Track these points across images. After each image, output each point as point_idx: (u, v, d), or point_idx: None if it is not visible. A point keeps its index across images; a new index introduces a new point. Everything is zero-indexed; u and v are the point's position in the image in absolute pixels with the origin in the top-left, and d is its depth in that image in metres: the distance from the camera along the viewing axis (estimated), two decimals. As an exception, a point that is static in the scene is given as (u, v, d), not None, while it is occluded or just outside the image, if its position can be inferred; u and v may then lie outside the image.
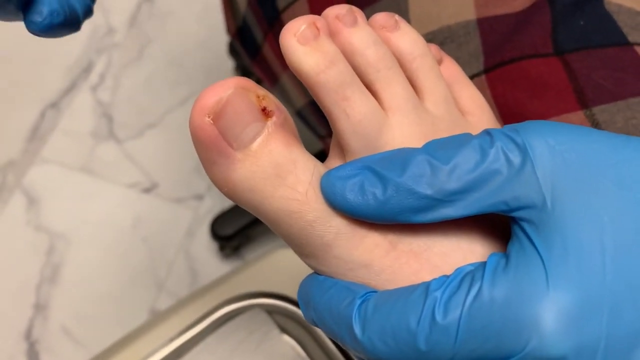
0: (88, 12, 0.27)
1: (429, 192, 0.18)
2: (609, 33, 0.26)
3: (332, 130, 0.21)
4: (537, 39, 0.27)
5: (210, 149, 0.19)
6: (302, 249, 0.20)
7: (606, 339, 0.16)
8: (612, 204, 0.17)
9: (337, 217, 0.19)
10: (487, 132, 0.19)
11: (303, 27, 0.20)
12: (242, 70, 0.80)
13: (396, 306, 0.18)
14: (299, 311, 0.39)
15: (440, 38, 0.30)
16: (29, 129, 0.84)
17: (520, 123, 0.19)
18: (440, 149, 0.19)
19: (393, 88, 0.21)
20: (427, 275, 0.19)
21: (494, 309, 0.17)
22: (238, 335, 0.38)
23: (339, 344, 0.20)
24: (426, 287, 0.18)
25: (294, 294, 0.40)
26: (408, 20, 0.31)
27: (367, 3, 0.33)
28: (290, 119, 0.20)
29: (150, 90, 0.87)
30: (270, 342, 0.38)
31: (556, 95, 0.26)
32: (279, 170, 0.19)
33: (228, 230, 0.72)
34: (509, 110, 0.27)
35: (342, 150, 0.21)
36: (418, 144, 0.20)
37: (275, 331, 0.38)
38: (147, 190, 0.80)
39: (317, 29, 0.20)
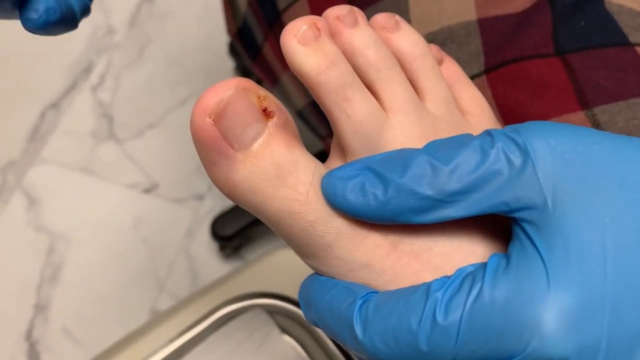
0: (85, 11, 0.27)
1: (429, 192, 0.18)
2: (609, 33, 0.26)
3: (333, 130, 0.21)
4: (538, 39, 0.27)
5: (211, 149, 0.19)
6: (303, 249, 0.20)
7: (607, 339, 0.16)
8: (613, 204, 0.17)
9: (338, 217, 0.19)
10: (487, 133, 0.19)
11: (304, 27, 0.20)
12: (243, 71, 0.80)
13: (397, 307, 0.18)
14: (299, 311, 0.39)
15: (441, 38, 0.30)
16: (29, 129, 0.84)
17: (521, 124, 0.19)
18: (441, 150, 0.19)
19: (394, 88, 0.21)
20: (428, 276, 0.19)
21: (495, 310, 0.17)
22: (239, 336, 0.38)
23: (340, 344, 0.20)
24: (427, 287, 0.18)
25: (294, 294, 0.40)
26: (408, 21, 0.31)
27: (367, 3, 0.33)
28: (291, 120, 0.20)
29: (151, 90, 0.87)
30: (271, 342, 0.38)
31: (557, 95, 0.26)
32: (279, 171, 0.19)
33: (228, 230, 0.72)
34: (510, 110, 0.27)
35: (343, 151, 0.21)
36: (419, 144, 0.20)
37: (276, 331, 0.38)
38: (148, 191, 0.80)
39: (318, 29, 0.20)
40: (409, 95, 0.22)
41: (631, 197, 0.17)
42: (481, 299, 0.17)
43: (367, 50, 0.21)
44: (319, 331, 0.38)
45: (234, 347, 0.37)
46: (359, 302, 0.19)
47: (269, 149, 0.19)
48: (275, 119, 0.19)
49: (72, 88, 0.87)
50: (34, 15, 0.25)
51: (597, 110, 0.25)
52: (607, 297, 0.17)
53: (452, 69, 0.25)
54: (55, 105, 0.86)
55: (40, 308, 0.74)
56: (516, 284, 0.17)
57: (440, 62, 0.25)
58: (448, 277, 0.18)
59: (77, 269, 0.76)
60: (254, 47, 0.44)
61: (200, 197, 0.80)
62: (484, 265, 0.18)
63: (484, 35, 0.29)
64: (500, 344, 0.17)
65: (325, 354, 0.37)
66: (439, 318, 0.17)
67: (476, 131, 0.22)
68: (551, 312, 0.16)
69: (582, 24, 0.27)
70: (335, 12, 0.21)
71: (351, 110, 0.20)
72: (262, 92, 0.19)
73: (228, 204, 0.77)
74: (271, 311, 0.39)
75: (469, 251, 0.20)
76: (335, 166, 0.20)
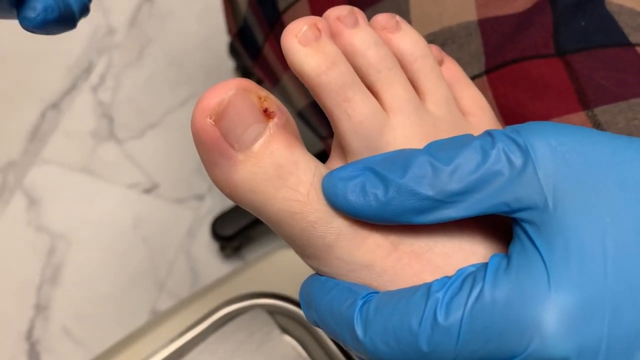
0: (84, 10, 0.27)
1: (430, 193, 0.18)
2: (610, 34, 0.26)
3: (334, 131, 0.21)
4: (539, 40, 0.27)
5: (212, 150, 0.19)
6: (304, 249, 0.20)
7: (608, 339, 0.16)
8: (613, 205, 0.17)
9: (338, 218, 0.19)
10: (488, 133, 0.19)
11: (304, 28, 0.20)
12: (243, 71, 0.80)
13: (398, 307, 0.18)
14: (300, 311, 0.39)
15: (442, 39, 0.30)
16: (29, 129, 0.84)
17: (522, 124, 0.19)
18: (442, 150, 0.19)
19: (394, 89, 0.21)
20: (428, 276, 0.19)
21: (496, 310, 0.17)
22: (239, 336, 0.38)
23: (341, 344, 0.20)
24: (428, 288, 0.18)
25: (295, 295, 0.40)
26: (409, 21, 0.31)
27: (368, 4, 0.33)
28: (292, 120, 0.20)
29: (151, 90, 0.87)
30: (272, 342, 0.38)
31: (557, 96, 0.26)
32: (280, 172, 0.19)
33: (229, 230, 0.72)
34: (510, 111, 0.27)
35: (344, 151, 0.21)
36: (419, 144, 0.20)
37: (277, 331, 0.38)
38: (148, 191, 0.80)
39: (319, 30, 0.20)
40: (410, 96, 0.22)
41: (632, 197, 0.17)
42: (482, 299, 0.17)
43: (368, 51, 0.21)
44: (320, 331, 0.38)
45: (234, 347, 0.37)
46: (360, 303, 0.19)
47: (270, 150, 0.19)
48: (276, 120, 0.19)
49: (72, 88, 0.87)
50: (31, 13, 0.24)
51: (597, 110, 0.25)
52: (608, 297, 0.17)
53: (452, 69, 0.25)
54: (55, 106, 0.86)
55: (41, 308, 0.74)
56: (517, 285, 0.17)
57: (440, 63, 0.25)
58: (449, 278, 0.18)
59: (78, 269, 0.76)
60: (255, 47, 0.44)
61: (200, 197, 0.80)
62: (484, 266, 0.18)
63: (484, 36, 0.29)
64: (501, 344, 0.17)
65: (326, 354, 0.37)
66: (440, 318, 0.17)
67: (477, 132, 0.22)
68: (552, 313, 0.16)
69: (583, 24, 0.27)
70: (335, 12, 0.21)
71: (352, 111, 0.20)
72: (263, 92, 0.19)
73: (228, 204, 0.77)
74: (272, 311, 0.39)
75: (469, 251, 0.20)
76: (336, 167, 0.20)
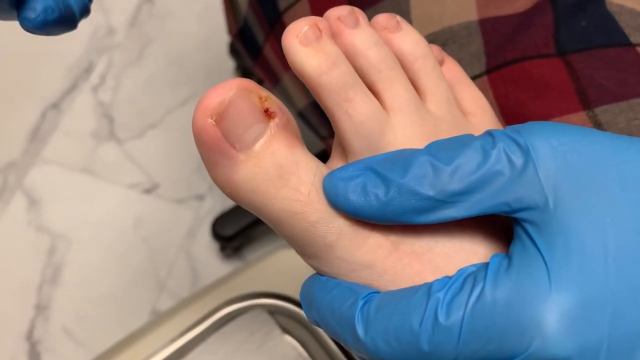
0: (85, 11, 0.27)
1: (431, 193, 0.18)
2: (610, 34, 0.26)
3: (335, 131, 0.21)
4: (539, 40, 0.27)
5: (213, 150, 0.19)
6: (305, 249, 0.20)
7: (609, 339, 0.16)
8: (614, 205, 0.17)
9: (339, 218, 0.19)
10: (489, 133, 0.19)
11: (305, 28, 0.20)
12: (243, 71, 0.80)
13: (399, 307, 0.18)
14: (300, 311, 0.39)
15: (442, 39, 0.30)
16: (29, 129, 0.84)
17: (523, 124, 0.19)
18: (443, 150, 0.19)
19: (395, 89, 0.21)
20: (429, 276, 0.19)
21: (497, 310, 0.17)
22: (239, 336, 0.38)
23: (342, 344, 0.20)
24: (428, 288, 0.18)
25: (295, 294, 0.40)
26: (410, 22, 0.31)
27: (368, 4, 0.33)
28: (293, 120, 0.20)
29: (151, 90, 0.87)
30: (272, 342, 0.38)
31: (558, 96, 0.26)
32: (281, 172, 0.19)
33: (229, 230, 0.72)
34: (511, 110, 0.27)
35: (345, 151, 0.21)
36: (420, 144, 0.20)
37: (277, 331, 0.38)
38: (148, 191, 0.80)
39: (319, 30, 0.20)
40: (410, 96, 0.22)
41: (632, 197, 0.17)
42: (483, 299, 0.17)
43: (369, 51, 0.21)
44: (321, 331, 0.38)
45: (235, 347, 0.37)
46: (361, 302, 0.19)
47: (271, 150, 0.19)
48: (276, 120, 0.19)
49: (72, 88, 0.87)
50: (31, 14, 0.24)
51: (598, 110, 0.25)
52: (609, 297, 0.17)
53: (453, 69, 0.25)
54: (55, 106, 0.86)
55: (41, 308, 0.74)
56: (518, 284, 0.17)
57: (441, 63, 0.25)
58: (450, 278, 0.18)
59: (78, 269, 0.76)
60: (255, 47, 0.44)
61: (200, 198, 0.80)
62: (485, 266, 0.18)
63: (485, 36, 0.29)
64: (502, 344, 0.17)
65: (327, 354, 0.37)
66: (441, 318, 0.17)
67: (477, 132, 0.22)
68: (553, 313, 0.16)
69: (584, 24, 0.27)
70: (336, 12, 0.21)
71: (352, 111, 0.20)
72: (264, 92, 0.19)
73: (228, 204, 0.77)
74: (272, 311, 0.39)
75: (470, 251, 0.20)
76: (337, 166, 0.20)
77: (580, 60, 0.26)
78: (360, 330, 0.18)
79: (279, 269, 0.42)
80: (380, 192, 0.19)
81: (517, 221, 0.18)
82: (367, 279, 0.20)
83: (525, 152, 0.18)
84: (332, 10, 0.22)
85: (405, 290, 0.19)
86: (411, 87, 0.22)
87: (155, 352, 0.38)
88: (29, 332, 0.73)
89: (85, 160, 0.82)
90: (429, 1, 0.31)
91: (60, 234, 0.77)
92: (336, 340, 0.20)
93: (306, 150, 0.20)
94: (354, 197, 0.19)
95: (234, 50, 0.75)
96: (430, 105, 0.22)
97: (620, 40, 0.26)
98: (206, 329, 0.38)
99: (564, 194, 0.17)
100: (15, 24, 0.26)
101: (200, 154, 0.19)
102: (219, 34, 0.85)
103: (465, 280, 0.18)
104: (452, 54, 0.29)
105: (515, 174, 0.18)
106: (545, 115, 0.26)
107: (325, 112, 0.21)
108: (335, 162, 0.22)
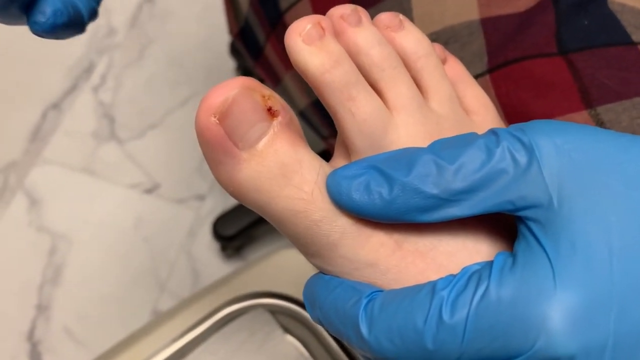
0: (93, 14, 0.27)
1: (435, 191, 0.18)
2: (612, 32, 0.26)
3: (337, 129, 0.21)
4: (541, 39, 0.27)
5: (216, 149, 0.19)
6: (308, 248, 0.20)
7: (614, 337, 0.16)
8: (619, 203, 0.17)
9: (342, 216, 0.19)
10: (493, 132, 0.19)
11: (308, 26, 0.20)
12: (244, 71, 0.80)
13: (403, 305, 0.18)
14: (302, 311, 0.39)
15: (444, 38, 0.30)
16: (30, 129, 0.84)
17: (527, 122, 0.19)
18: (446, 149, 0.19)
19: (398, 87, 0.21)
20: (433, 275, 0.19)
21: (501, 308, 0.17)
22: (241, 336, 0.38)
23: (345, 343, 0.20)
24: (433, 286, 0.18)
25: (296, 294, 0.40)
26: (411, 21, 0.31)
27: (370, 4, 0.33)
28: (296, 119, 0.20)
29: (151, 90, 0.87)
30: (273, 342, 0.38)
31: (561, 95, 0.26)
32: (284, 170, 0.19)
33: (230, 230, 0.72)
34: (513, 110, 0.27)
35: (347, 150, 0.21)
36: (423, 143, 0.20)
37: (278, 331, 0.38)
38: (149, 191, 0.80)
39: (322, 28, 0.20)
40: (413, 94, 0.22)
41: (637, 195, 0.17)
42: (487, 297, 0.17)
43: (371, 50, 0.21)
44: (322, 331, 0.38)
45: (236, 347, 0.37)
46: (365, 301, 0.19)
47: (274, 148, 0.19)
48: (280, 118, 0.19)
49: (73, 88, 0.87)
50: (41, 18, 0.25)
51: (601, 109, 0.25)
52: (614, 295, 0.17)
53: (456, 68, 0.25)
54: (56, 106, 0.86)
55: (42, 308, 0.74)
56: (522, 283, 0.17)
57: (444, 61, 0.25)
58: (454, 276, 0.18)
59: (79, 269, 0.76)
60: (256, 47, 0.44)
61: (201, 198, 0.80)
62: (489, 264, 0.18)
63: (486, 35, 0.29)
64: (507, 342, 0.17)
65: (328, 354, 0.37)
66: (445, 316, 0.17)
67: (480, 130, 0.22)
68: (557, 311, 0.16)
69: (585, 23, 0.27)
70: (339, 11, 0.21)
71: (355, 109, 0.20)
72: (267, 91, 0.19)
73: (229, 204, 0.77)
74: (273, 311, 0.39)
75: (473, 250, 0.20)
76: (340, 165, 0.20)
77: (582, 59, 0.26)
78: (364, 329, 0.18)
79: (280, 269, 0.42)
80: (384, 191, 0.19)
81: (521, 219, 0.18)
82: (371, 277, 0.20)
83: (529, 150, 0.18)
84: (335, 9, 0.22)
85: (409, 288, 0.19)
86: (414, 85, 0.22)
87: (156, 352, 0.38)
88: (29, 332, 0.73)
89: (86, 161, 0.82)
90: (431, 0, 0.31)
91: (61, 234, 0.77)
92: (339, 339, 0.20)
93: (309, 149, 0.20)
94: (358, 195, 0.19)
95: (234, 50, 0.75)
96: (433, 104, 0.22)
97: (622, 39, 0.26)
98: (207, 329, 0.38)
99: (568, 192, 0.17)
100: (15, 25, 0.26)
101: (203, 152, 0.19)
102: (220, 34, 0.85)
103: (469, 278, 0.18)
104: (453, 53, 0.29)
105: (519, 172, 0.18)
106: (547, 115, 0.26)
107: (328, 110, 0.21)
108: (338, 160, 0.22)
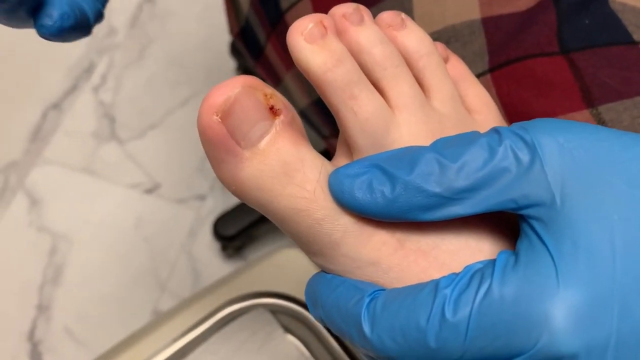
0: (99, 17, 0.27)
1: (437, 190, 0.18)
2: (614, 32, 0.26)
3: (340, 128, 0.21)
4: (542, 38, 0.27)
5: (218, 147, 0.19)
6: (310, 247, 0.20)
7: (617, 336, 0.16)
8: (621, 201, 0.17)
9: (345, 215, 0.19)
10: (495, 130, 0.19)
11: (310, 25, 0.20)
12: (244, 71, 0.80)
13: (405, 304, 0.18)
14: (303, 311, 0.39)
15: (445, 37, 0.30)
16: (31, 129, 0.84)
17: (529, 121, 0.19)
18: (449, 147, 0.19)
19: (400, 86, 0.21)
20: (435, 273, 0.19)
21: (504, 307, 0.17)
22: (241, 335, 0.38)
23: (347, 342, 0.20)
24: (435, 284, 0.18)
25: (297, 294, 0.40)
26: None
27: (371, 3, 0.33)
28: (298, 117, 0.20)
29: (152, 90, 0.87)
30: (274, 341, 0.38)
31: (562, 94, 0.26)
32: (286, 169, 0.19)
33: (230, 230, 0.72)
34: (515, 109, 0.27)
35: (349, 149, 0.21)
36: (425, 142, 0.20)
37: (279, 331, 0.38)
38: (149, 191, 0.80)
39: (324, 27, 0.20)
40: (415, 93, 0.22)
41: (639, 194, 0.17)
42: (490, 295, 0.17)
43: (374, 48, 0.21)
44: (323, 330, 0.38)
45: (236, 347, 0.37)
46: (367, 300, 0.19)
47: (276, 147, 0.19)
48: (282, 117, 0.19)
49: (73, 88, 0.87)
50: (48, 21, 0.25)
51: (602, 108, 0.25)
52: (616, 293, 0.17)
53: (458, 67, 0.25)
54: (56, 106, 0.86)
55: (43, 308, 0.74)
56: (525, 281, 0.17)
57: (446, 60, 0.25)
58: (456, 274, 0.18)
59: (79, 269, 0.76)
60: (257, 47, 0.44)
61: (202, 197, 0.80)
62: (492, 262, 0.18)
63: (488, 34, 0.29)
64: (509, 340, 0.17)
65: (329, 354, 0.37)
66: (448, 314, 0.17)
67: (482, 129, 0.22)
68: (560, 309, 0.16)
69: (587, 22, 0.27)
70: (341, 10, 0.21)
71: (358, 108, 0.20)
72: (269, 90, 0.19)
73: (230, 204, 0.77)
74: (274, 311, 0.39)
75: (476, 249, 0.20)
76: (342, 164, 0.20)
77: (583, 58, 0.26)
78: (366, 328, 0.18)
79: (280, 269, 0.42)
80: (387, 189, 0.19)
81: (524, 218, 0.18)
82: (373, 276, 0.20)
83: (532, 148, 0.18)
84: (337, 8, 0.22)
85: (411, 287, 0.19)
86: (416, 84, 0.22)
87: (157, 352, 0.38)
88: (30, 332, 0.72)
89: (87, 161, 0.82)
90: (432, 0, 0.31)
91: (61, 234, 0.77)
92: (341, 338, 0.20)
93: (311, 148, 0.20)
94: (360, 194, 0.19)
95: (235, 50, 0.75)
96: (435, 103, 0.22)
97: (624, 38, 0.26)
98: (208, 329, 0.38)
99: (571, 191, 0.17)
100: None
101: (206, 151, 0.19)
102: (220, 34, 0.85)
103: (472, 277, 0.18)
104: (455, 52, 0.29)
105: (521, 170, 0.18)
106: (548, 114, 0.26)
107: (330, 109, 0.21)
108: (341, 159, 0.22)
